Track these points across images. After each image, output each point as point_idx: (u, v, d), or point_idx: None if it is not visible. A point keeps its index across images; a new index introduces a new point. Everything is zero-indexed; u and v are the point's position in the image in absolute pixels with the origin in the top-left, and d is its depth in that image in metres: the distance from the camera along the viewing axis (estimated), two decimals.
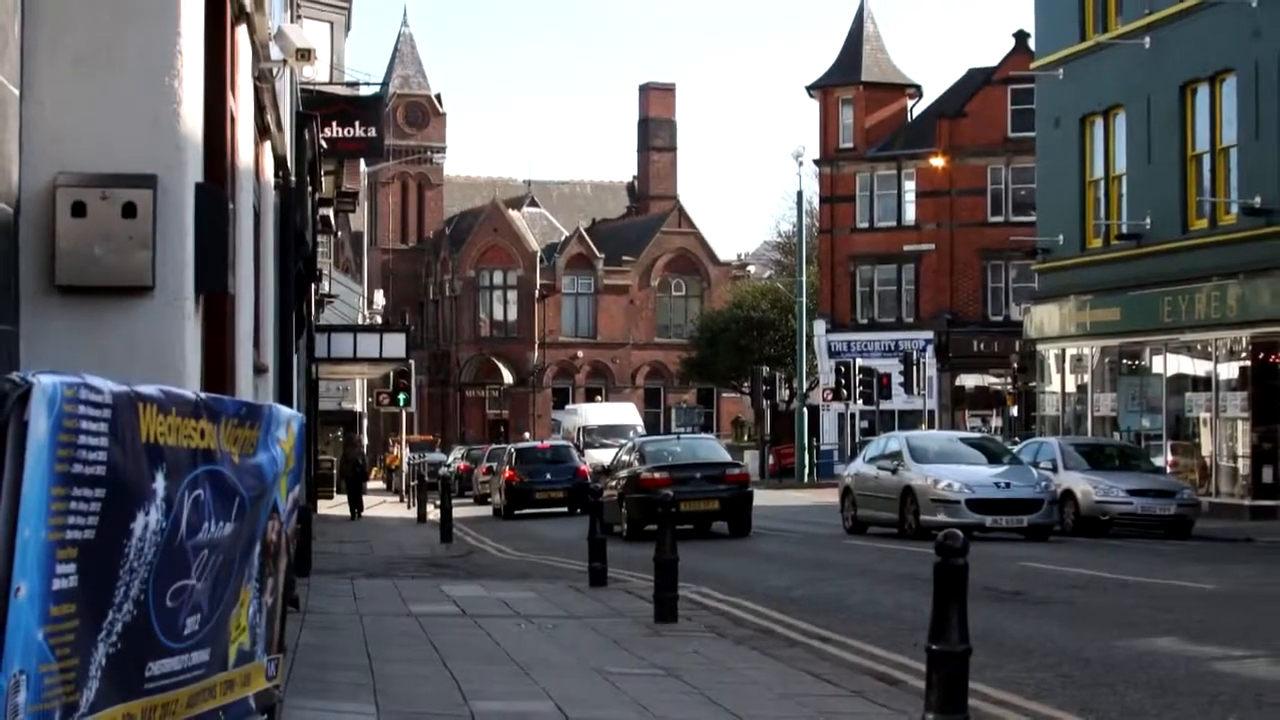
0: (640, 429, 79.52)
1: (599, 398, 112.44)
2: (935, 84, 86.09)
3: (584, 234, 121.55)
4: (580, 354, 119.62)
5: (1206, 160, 42.97)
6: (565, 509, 50.66)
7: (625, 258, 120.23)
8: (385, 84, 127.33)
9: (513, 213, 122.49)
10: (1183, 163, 43.42)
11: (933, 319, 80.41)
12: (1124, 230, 46.06)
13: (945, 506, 33.23)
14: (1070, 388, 50.60)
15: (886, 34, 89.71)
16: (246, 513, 7.52)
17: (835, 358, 79.68)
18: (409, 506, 58.82)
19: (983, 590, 19.87)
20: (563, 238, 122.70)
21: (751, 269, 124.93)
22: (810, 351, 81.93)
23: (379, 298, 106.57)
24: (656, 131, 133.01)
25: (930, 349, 78.35)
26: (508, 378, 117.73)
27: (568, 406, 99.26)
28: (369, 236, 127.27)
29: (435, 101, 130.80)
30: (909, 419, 71.80)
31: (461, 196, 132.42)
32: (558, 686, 13.27)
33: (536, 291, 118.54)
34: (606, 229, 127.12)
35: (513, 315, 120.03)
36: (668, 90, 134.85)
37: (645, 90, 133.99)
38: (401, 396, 65.68)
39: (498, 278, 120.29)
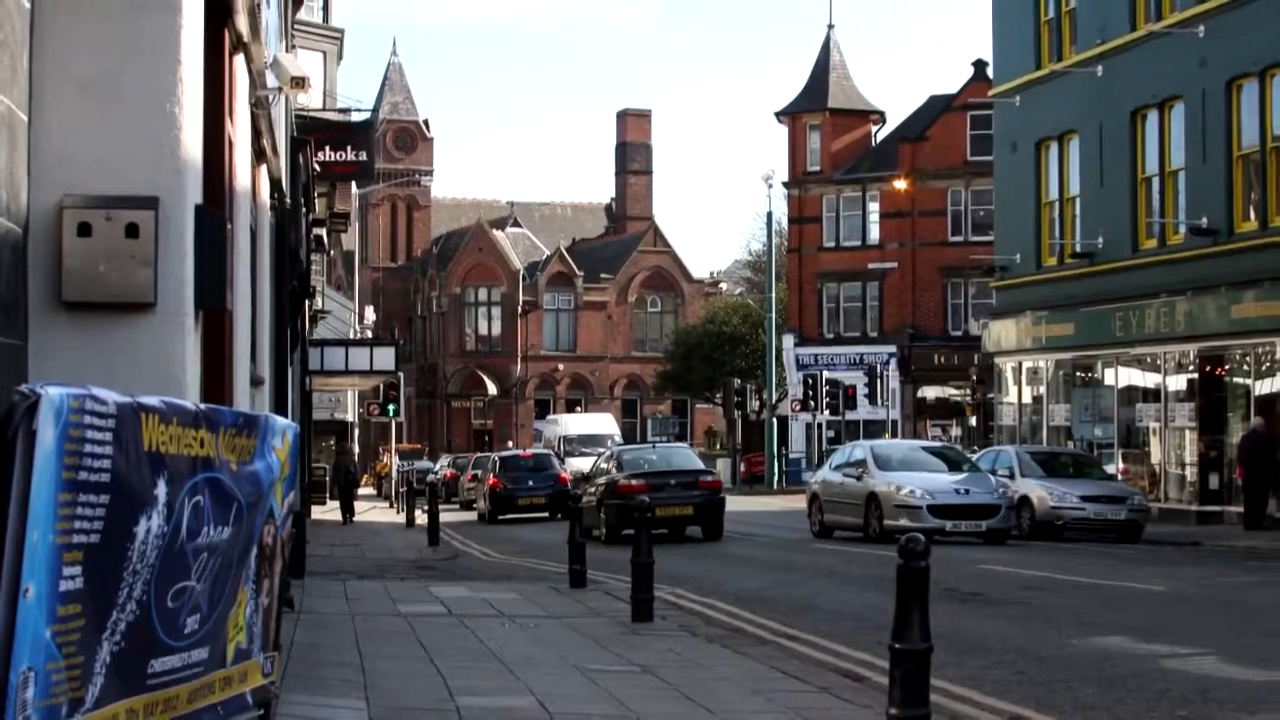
0: (618, 438, 79.48)
1: (579, 408, 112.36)
2: (898, 110, 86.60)
3: (564, 253, 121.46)
4: (561, 367, 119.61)
5: (1156, 183, 43.11)
6: (546, 514, 50.66)
7: (603, 275, 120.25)
8: (375, 110, 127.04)
9: (496, 233, 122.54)
10: (1133, 185, 43.54)
11: (896, 333, 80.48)
12: (1077, 249, 46.17)
13: (908, 512, 33.22)
14: (1026, 399, 50.69)
15: (851, 63, 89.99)
16: (244, 517, 7.52)
17: (803, 370, 79.71)
18: (398, 512, 58.72)
19: (943, 591, 19.91)
20: (544, 256, 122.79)
21: (723, 286, 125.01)
22: (779, 364, 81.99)
23: (369, 313, 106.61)
24: (633, 155, 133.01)
25: (893, 362, 78.39)
26: (492, 389, 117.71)
27: (549, 417, 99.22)
28: (360, 255, 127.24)
29: (423, 127, 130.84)
30: (873, 429, 71.85)
31: (448, 217, 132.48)
32: (540, 683, 13.28)
33: (519, 308, 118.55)
34: (585, 248, 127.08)
35: (497, 330, 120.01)
36: (644, 116, 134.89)
37: (623, 116, 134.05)
38: (391, 407, 65.69)
39: (482, 294, 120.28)
